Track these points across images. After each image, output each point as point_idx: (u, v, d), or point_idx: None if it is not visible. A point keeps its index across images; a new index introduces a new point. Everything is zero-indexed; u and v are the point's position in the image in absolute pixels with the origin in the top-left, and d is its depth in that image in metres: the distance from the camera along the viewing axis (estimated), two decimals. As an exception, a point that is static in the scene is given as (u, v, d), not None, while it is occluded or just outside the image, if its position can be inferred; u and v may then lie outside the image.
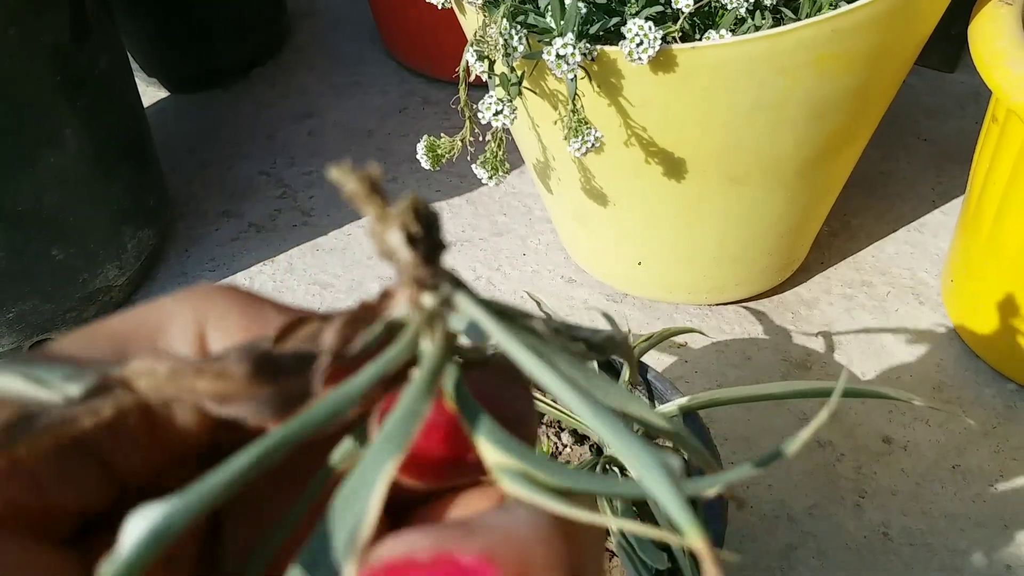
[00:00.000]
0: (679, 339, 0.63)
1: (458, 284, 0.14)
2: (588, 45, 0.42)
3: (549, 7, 0.43)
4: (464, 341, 0.15)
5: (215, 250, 0.74)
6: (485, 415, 0.14)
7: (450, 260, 0.70)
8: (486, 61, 0.45)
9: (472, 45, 0.45)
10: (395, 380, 0.14)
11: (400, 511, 0.16)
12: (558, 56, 0.41)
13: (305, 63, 0.95)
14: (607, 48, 0.43)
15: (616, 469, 0.41)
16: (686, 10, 0.44)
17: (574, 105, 0.44)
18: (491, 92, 0.45)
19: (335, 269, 0.72)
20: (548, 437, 0.45)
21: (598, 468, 0.41)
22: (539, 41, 0.43)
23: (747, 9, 0.46)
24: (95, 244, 0.65)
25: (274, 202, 0.78)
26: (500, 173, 0.48)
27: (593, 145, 0.44)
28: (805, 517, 0.53)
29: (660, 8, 0.46)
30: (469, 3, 0.46)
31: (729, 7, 0.45)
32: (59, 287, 0.65)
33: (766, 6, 0.46)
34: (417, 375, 0.14)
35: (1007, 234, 0.52)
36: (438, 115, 0.85)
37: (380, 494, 0.12)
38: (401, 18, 0.86)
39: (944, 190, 0.73)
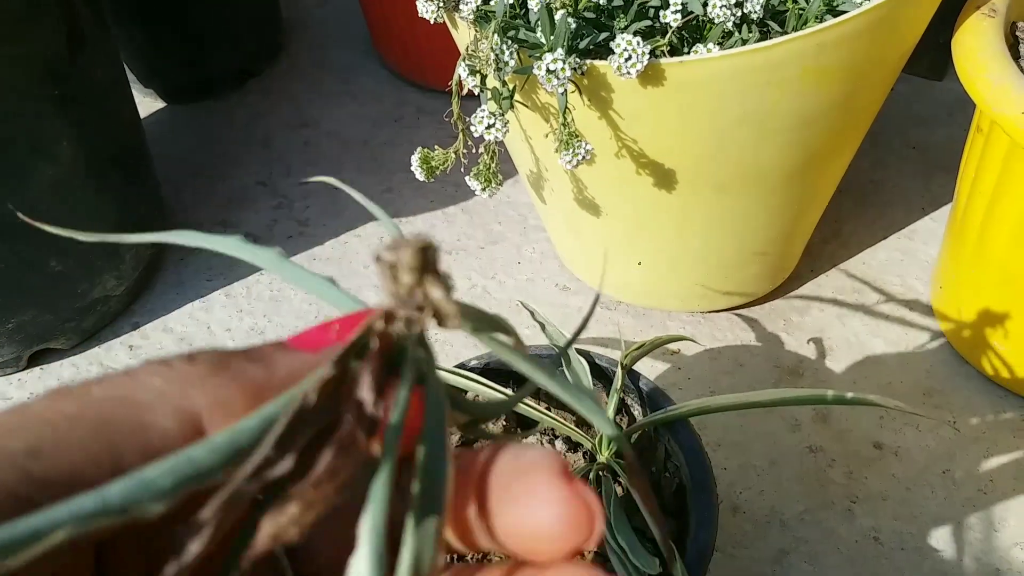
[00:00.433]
0: (672, 346, 0.64)
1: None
2: (578, 60, 0.43)
3: (539, 22, 0.44)
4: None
5: (211, 260, 0.75)
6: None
7: (446, 268, 0.71)
8: (478, 75, 0.45)
9: (464, 59, 0.46)
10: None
11: None
12: (548, 71, 0.42)
13: (300, 73, 0.96)
14: (596, 63, 0.43)
15: (610, 477, 0.41)
16: (674, 24, 0.45)
17: (565, 119, 0.44)
18: (483, 106, 0.45)
19: (331, 278, 0.72)
20: (542, 445, 0.46)
21: (591, 475, 0.42)
22: (530, 56, 0.44)
23: (734, 23, 0.46)
24: (93, 255, 0.66)
25: (270, 212, 0.79)
26: (493, 185, 0.49)
27: (584, 158, 0.45)
28: (797, 522, 0.53)
29: (648, 22, 0.46)
30: (461, 18, 0.47)
31: (716, 21, 0.46)
32: (58, 297, 0.65)
33: (753, 20, 0.47)
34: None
35: (993, 241, 0.53)
36: (433, 124, 0.86)
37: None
38: (395, 28, 0.87)
39: (934, 197, 0.74)
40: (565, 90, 0.43)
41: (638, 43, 0.41)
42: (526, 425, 0.47)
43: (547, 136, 0.49)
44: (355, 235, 0.76)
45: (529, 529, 0.15)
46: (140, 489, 0.12)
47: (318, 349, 0.16)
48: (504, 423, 0.47)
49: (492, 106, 0.45)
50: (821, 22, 0.47)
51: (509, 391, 0.45)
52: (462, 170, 0.52)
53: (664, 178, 0.51)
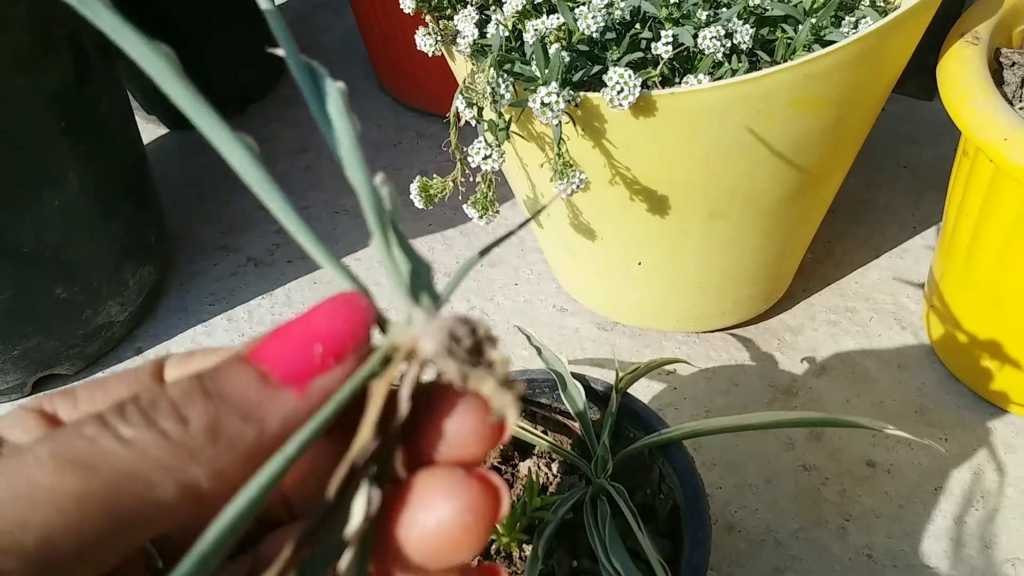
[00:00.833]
0: (668, 366, 0.65)
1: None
2: (572, 92, 0.44)
3: (534, 56, 0.45)
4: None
5: (214, 284, 0.76)
6: None
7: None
8: (475, 107, 0.47)
9: (461, 92, 0.47)
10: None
11: None
12: (543, 103, 0.43)
13: (300, 98, 0.97)
14: (590, 95, 0.44)
15: (605, 499, 0.42)
16: (665, 56, 0.46)
17: (559, 149, 0.46)
18: (480, 137, 0.46)
19: (332, 302, 0.73)
20: (539, 468, 0.47)
21: (587, 496, 0.43)
22: (525, 89, 0.45)
23: (724, 53, 0.48)
24: (98, 281, 0.67)
25: (272, 236, 0.80)
26: (491, 213, 0.50)
27: (578, 187, 0.46)
28: (791, 540, 0.54)
29: (640, 54, 0.48)
30: (458, 51, 0.48)
31: (707, 52, 0.47)
32: (63, 324, 0.66)
33: (742, 50, 0.48)
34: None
35: (981, 262, 0.54)
36: (432, 149, 0.87)
37: None
38: (395, 54, 0.88)
39: (924, 216, 0.75)
40: (559, 121, 0.44)
41: (630, 76, 0.42)
42: (523, 449, 0.48)
43: (542, 165, 0.50)
44: (355, 259, 0.77)
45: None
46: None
47: (300, 375, 0.16)
48: (501, 447, 0.48)
49: (489, 137, 0.46)
50: (809, 52, 0.48)
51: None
52: (460, 197, 0.53)
53: (658, 204, 0.52)
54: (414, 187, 0.51)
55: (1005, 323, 0.54)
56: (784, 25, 0.51)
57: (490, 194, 0.49)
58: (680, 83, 0.47)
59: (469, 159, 0.47)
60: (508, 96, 0.45)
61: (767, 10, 0.50)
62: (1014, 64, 0.53)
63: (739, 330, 0.67)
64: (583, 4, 0.47)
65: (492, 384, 0.15)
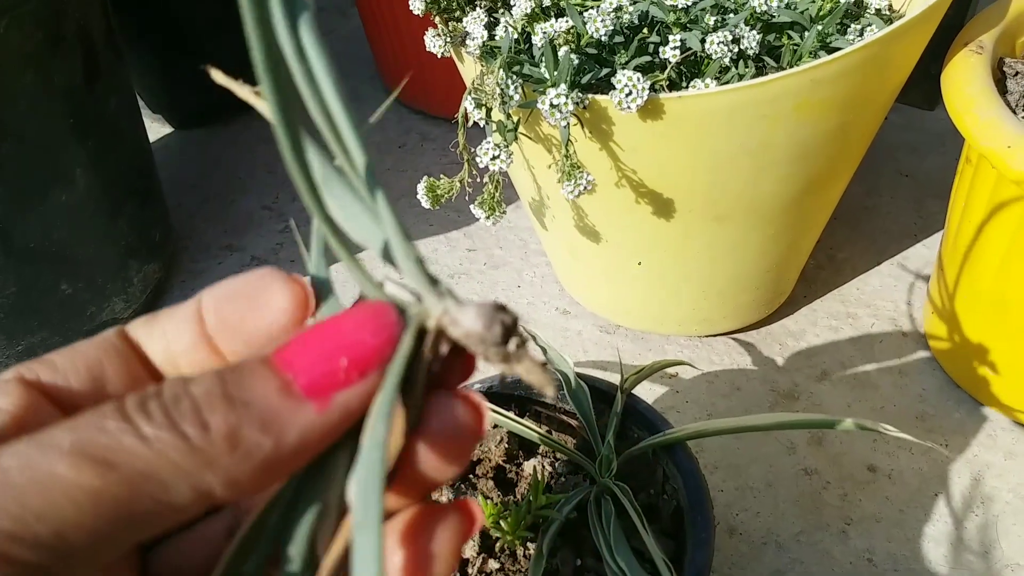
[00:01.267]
0: (670, 369, 0.65)
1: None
2: (580, 94, 0.44)
3: (543, 58, 0.45)
4: None
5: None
6: None
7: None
8: (483, 108, 0.47)
9: (470, 93, 0.47)
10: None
11: None
12: (552, 105, 0.43)
13: (306, 99, 0.97)
14: (598, 97, 0.45)
15: (609, 499, 0.42)
16: (673, 60, 0.47)
17: (567, 151, 0.46)
18: (488, 138, 0.47)
19: (336, 302, 0.74)
20: (544, 467, 0.47)
21: (591, 496, 0.43)
22: (534, 90, 0.45)
23: (731, 59, 0.48)
24: (103, 278, 0.67)
25: (276, 236, 0.80)
26: (497, 213, 0.50)
27: (585, 188, 0.46)
28: (792, 544, 0.54)
29: (648, 58, 0.48)
30: (467, 53, 0.49)
31: (714, 57, 0.47)
32: (67, 320, 0.66)
33: (749, 56, 0.49)
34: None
35: (982, 269, 0.54)
36: (436, 151, 0.88)
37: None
38: (399, 56, 0.89)
39: (926, 224, 0.75)
40: (567, 123, 0.45)
41: (638, 79, 0.43)
42: (527, 448, 0.49)
43: (550, 167, 0.51)
44: (359, 258, 0.77)
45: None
46: None
47: (323, 388, 0.16)
48: (506, 446, 0.48)
49: (497, 138, 0.47)
50: (815, 58, 0.48)
51: (511, 414, 0.47)
52: (467, 198, 0.53)
53: (663, 207, 0.52)
54: (421, 187, 0.52)
55: (1006, 330, 0.55)
56: (791, 32, 0.51)
57: (497, 194, 0.50)
58: (687, 87, 0.47)
59: (477, 159, 0.47)
60: (517, 97, 0.45)
61: (774, 17, 0.50)
62: (1017, 73, 0.53)
63: (741, 334, 0.67)
64: (591, 8, 0.47)
65: (529, 363, 0.16)
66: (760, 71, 0.50)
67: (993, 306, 0.55)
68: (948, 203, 0.60)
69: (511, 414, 0.46)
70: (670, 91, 0.46)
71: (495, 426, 0.47)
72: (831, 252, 0.73)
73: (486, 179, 0.50)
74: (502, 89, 0.45)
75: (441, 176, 0.52)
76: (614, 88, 0.44)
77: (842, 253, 0.73)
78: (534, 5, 0.49)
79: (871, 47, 0.45)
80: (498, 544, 0.43)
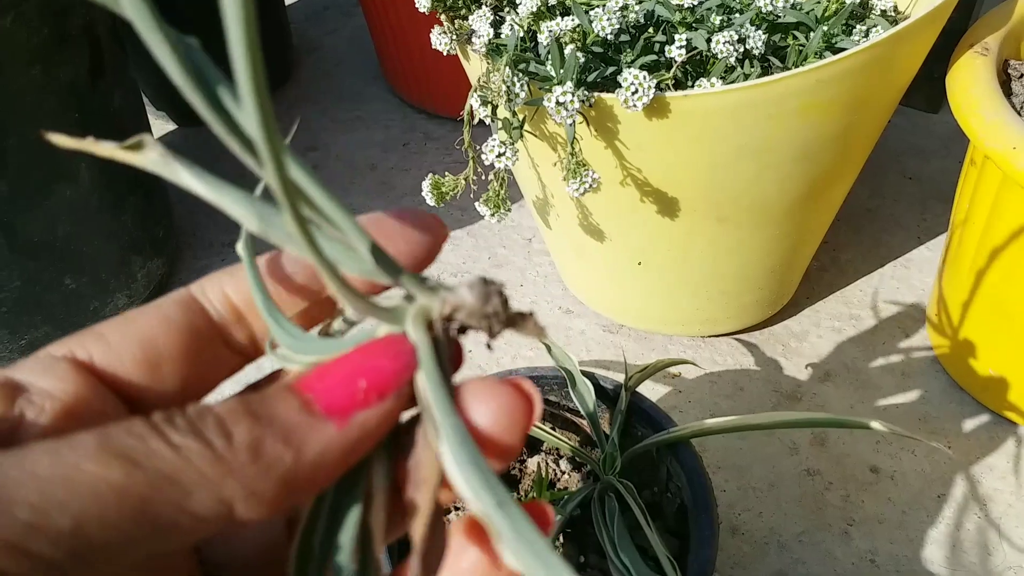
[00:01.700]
0: (673, 369, 0.65)
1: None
2: (586, 92, 0.44)
3: (550, 56, 0.45)
4: None
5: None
6: None
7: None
8: (489, 106, 0.47)
9: (476, 90, 0.48)
10: None
11: None
12: (558, 103, 0.43)
13: (309, 98, 0.98)
14: (604, 95, 0.45)
15: (613, 496, 0.42)
16: (679, 59, 0.47)
17: (573, 149, 0.46)
18: (494, 135, 0.47)
19: (338, 300, 0.74)
20: (548, 464, 0.47)
21: (595, 493, 0.43)
22: (540, 88, 0.45)
23: (736, 58, 0.48)
24: (106, 273, 0.67)
25: (279, 234, 0.80)
26: (502, 211, 0.50)
27: (591, 186, 0.46)
28: (795, 544, 0.54)
29: (654, 57, 0.48)
30: (473, 51, 0.49)
31: (720, 56, 0.47)
32: (71, 315, 0.66)
33: (755, 56, 0.49)
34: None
35: (986, 271, 0.54)
36: (439, 150, 0.88)
37: None
38: (404, 55, 0.89)
39: (929, 227, 0.75)
40: (573, 121, 0.45)
41: (644, 77, 0.43)
42: (531, 445, 0.49)
43: (555, 165, 0.51)
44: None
45: None
46: None
47: (343, 407, 0.17)
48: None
49: (503, 135, 0.47)
50: (821, 59, 0.49)
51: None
52: (471, 196, 0.53)
53: (667, 207, 0.52)
54: (426, 185, 0.52)
55: (1010, 332, 0.55)
56: (796, 32, 0.51)
57: (502, 192, 0.50)
58: (693, 87, 0.47)
59: (483, 157, 0.47)
60: (523, 95, 0.45)
61: (779, 17, 0.51)
62: (1022, 75, 0.53)
63: (744, 335, 0.67)
64: (597, 7, 0.47)
65: (532, 325, 0.17)
66: (765, 71, 0.50)
67: (997, 308, 0.55)
68: (951, 206, 0.60)
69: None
70: (675, 90, 0.46)
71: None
72: (834, 254, 0.73)
73: (491, 177, 0.50)
74: (508, 86, 0.45)
75: (446, 174, 0.53)
76: (620, 86, 0.44)
77: (845, 255, 0.73)
78: (540, 3, 0.49)
79: (877, 48, 0.45)
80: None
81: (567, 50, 0.45)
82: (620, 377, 0.49)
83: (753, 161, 0.49)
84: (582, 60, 0.46)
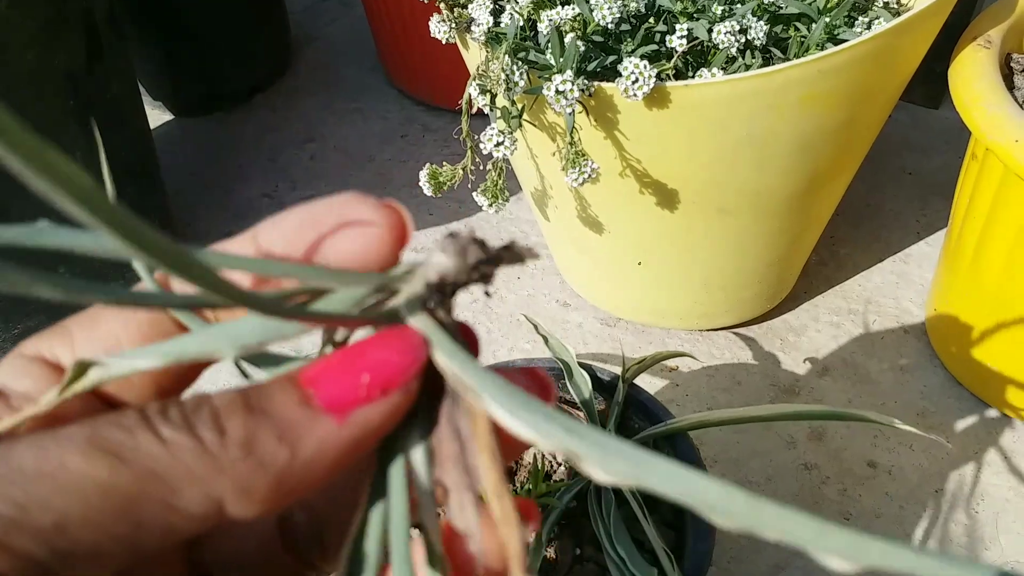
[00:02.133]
0: (671, 363, 0.65)
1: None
2: (586, 81, 0.44)
3: (549, 45, 0.45)
4: None
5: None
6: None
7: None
8: (488, 95, 0.47)
9: (475, 79, 0.47)
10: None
11: None
12: (557, 92, 0.43)
13: (307, 89, 0.97)
14: (604, 84, 0.45)
15: (609, 488, 0.42)
16: (679, 49, 0.47)
17: (572, 138, 0.46)
18: (493, 124, 0.46)
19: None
20: (543, 455, 0.47)
21: (591, 485, 0.43)
22: (539, 77, 0.45)
23: (738, 49, 0.48)
24: (101, 262, 0.67)
25: (276, 224, 0.80)
26: (500, 201, 0.50)
27: (589, 176, 0.46)
28: (791, 538, 0.54)
29: (655, 47, 0.48)
30: (472, 39, 0.48)
31: (721, 47, 0.47)
32: (65, 304, 0.66)
33: (756, 46, 0.49)
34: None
35: (986, 266, 0.54)
36: (437, 142, 0.88)
37: None
38: (403, 47, 0.88)
39: (928, 222, 0.75)
40: (573, 110, 0.44)
41: (645, 66, 0.43)
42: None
43: (554, 155, 0.50)
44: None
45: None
46: None
47: (343, 402, 0.16)
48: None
49: (501, 124, 0.46)
50: (822, 50, 0.48)
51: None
52: (469, 186, 0.53)
53: (667, 198, 0.52)
54: (423, 174, 0.51)
55: (1009, 327, 0.55)
56: (798, 23, 0.51)
57: (500, 182, 0.49)
58: (693, 77, 0.47)
59: (481, 146, 0.47)
60: (522, 84, 0.45)
61: (781, 7, 0.50)
62: (1025, 69, 0.53)
63: (742, 329, 0.67)
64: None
65: (519, 252, 0.16)
66: (767, 62, 0.50)
67: (997, 302, 0.54)
68: (951, 201, 0.60)
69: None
70: (676, 80, 0.46)
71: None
72: (833, 248, 0.73)
73: (489, 166, 0.50)
74: (507, 75, 0.45)
75: (443, 164, 0.52)
76: (620, 76, 0.43)
77: (844, 249, 0.73)
78: (540, -8, 0.48)
79: (879, 39, 0.45)
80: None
81: (567, 39, 0.45)
82: (618, 370, 0.48)
83: (753, 153, 0.48)
84: (582, 49, 0.46)
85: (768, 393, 0.63)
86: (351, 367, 0.16)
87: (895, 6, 0.54)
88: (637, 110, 0.45)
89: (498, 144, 0.46)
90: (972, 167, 0.54)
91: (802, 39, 0.50)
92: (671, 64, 0.47)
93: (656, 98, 0.45)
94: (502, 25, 0.48)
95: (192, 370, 0.19)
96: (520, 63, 0.45)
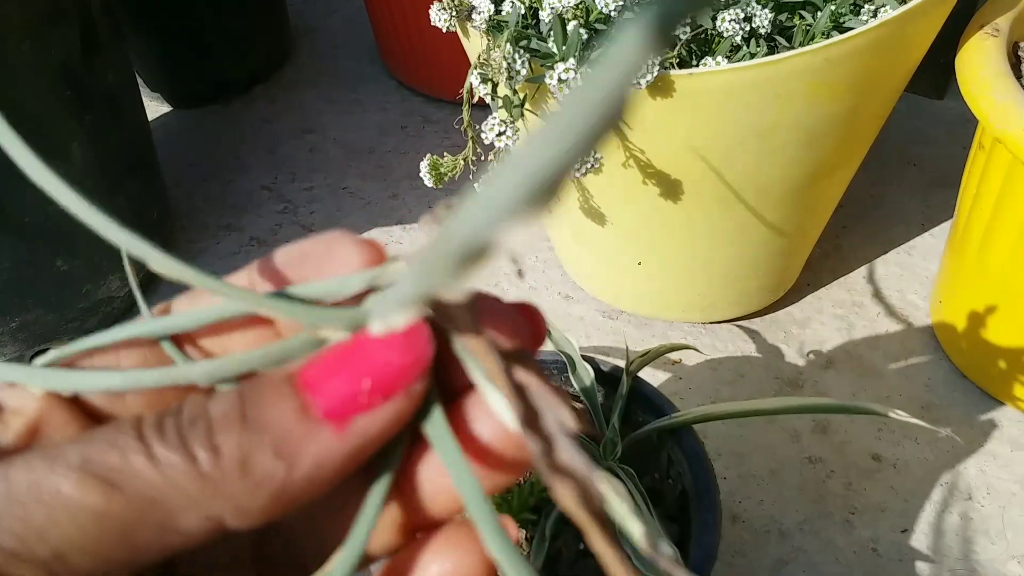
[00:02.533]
0: (674, 356, 0.64)
1: None
2: (589, 70, 0.43)
3: (551, 33, 0.44)
4: None
5: (216, 263, 0.75)
6: None
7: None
8: (490, 84, 0.46)
9: (476, 68, 0.47)
10: None
11: None
12: (560, 80, 0.42)
13: (306, 80, 0.97)
14: (607, 73, 0.44)
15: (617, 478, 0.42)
16: (683, 37, 0.46)
17: (575, 127, 0.45)
18: (494, 114, 0.46)
19: (335, 283, 0.73)
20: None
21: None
22: (541, 65, 0.44)
23: (742, 37, 0.47)
24: (99, 256, 0.66)
25: (275, 217, 0.79)
26: (501, 192, 0.49)
27: (592, 166, 0.45)
28: (796, 532, 0.54)
29: (659, 35, 0.47)
30: (473, 27, 0.48)
31: (725, 35, 0.46)
32: (63, 298, 0.65)
33: (761, 35, 0.48)
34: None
35: (993, 257, 0.53)
36: (437, 133, 0.87)
37: None
38: (402, 37, 0.88)
39: (933, 213, 0.74)
40: (576, 99, 0.44)
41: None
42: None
43: (556, 145, 0.50)
44: (359, 241, 0.76)
45: None
46: None
47: (342, 411, 0.15)
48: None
49: (503, 114, 0.46)
50: (828, 38, 0.48)
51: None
52: (470, 177, 0.52)
53: (670, 189, 0.51)
54: (424, 165, 0.51)
55: (1016, 319, 0.54)
56: (803, 12, 0.50)
57: (502, 173, 0.49)
58: (697, 66, 0.46)
59: (483, 136, 0.46)
60: (524, 72, 0.44)
61: (786, -5, 0.50)
62: (1033, 57, 0.52)
63: (745, 322, 0.67)
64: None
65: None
66: (772, 51, 0.49)
67: (1004, 294, 0.54)
68: (955, 192, 0.60)
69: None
70: (680, 69, 0.45)
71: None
72: (837, 240, 0.72)
73: (491, 157, 0.49)
74: (509, 64, 0.44)
75: (444, 155, 0.52)
76: (624, 64, 0.43)
77: (848, 241, 0.72)
78: (542, -20, 0.48)
79: (885, 27, 0.44)
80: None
81: (570, 26, 0.44)
82: (620, 362, 0.48)
83: (758, 143, 0.48)
84: (585, 37, 0.45)
85: (772, 386, 0.62)
86: (351, 370, 0.15)
87: (901, -6, 0.53)
88: (640, 98, 0.45)
89: (500, 134, 0.45)
90: (979, 157, 0.54)
91: (807, 27, 0.49)
92: (675, 52, 0.46)
93: (660, 87, 0.44)
94: (503, 13, 0.48)
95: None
96: (522, 51, 0.44)
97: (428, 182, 0.51)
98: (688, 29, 0.46)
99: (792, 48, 0.49)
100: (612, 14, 0.46)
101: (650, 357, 0.47)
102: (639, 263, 0.60)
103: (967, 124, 0.82)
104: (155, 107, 0.94)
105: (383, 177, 0.82)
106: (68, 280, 0.65)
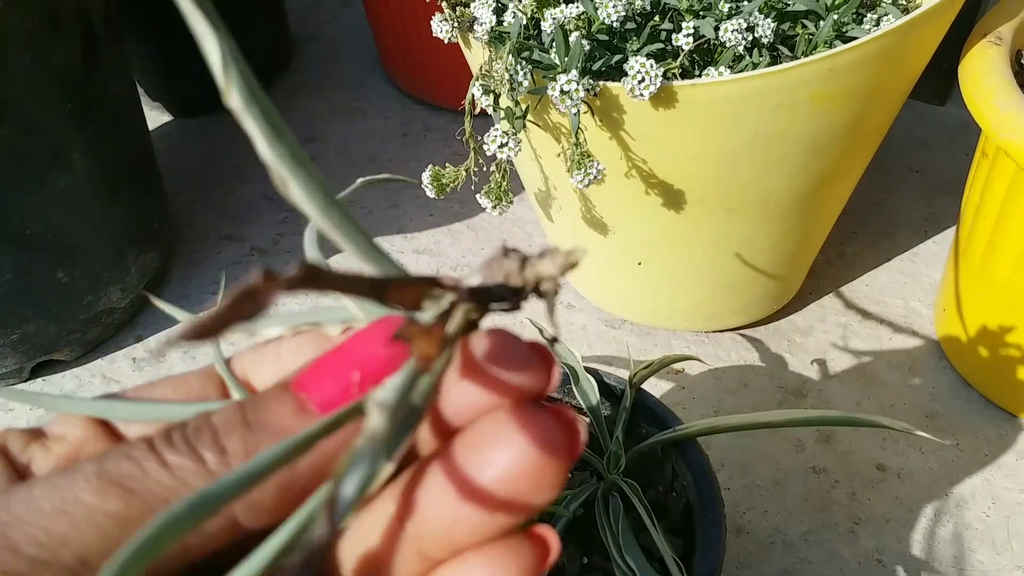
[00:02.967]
0: (676, 365, 0.64)
1: None
2: (591, 81, 0.43)
3: (554, 44, 0.44)
4: None
5: (217, 273, 0.75)
6: None
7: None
8: (491, 95, 0.46)
9: (478, 79, 0.46)
10: None
11: None
12: (562, 92, 0.42)
13: (307, 88, 0.96)
14: (609, 84, 0.44)
15: (617, 495, 0.41)
16: (686, 47, 0.46)
17: (577, 139, 0.45)
18: (496, 125, 0.46)
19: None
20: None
21: (599, 492, 0.42)
22: (543, 77, 0.44)
23: (745, 47, 0.47)
24: (100, 266, 0.66)
25: (276, 226, 0.79)
26: (504, 203, 0.49)
27: (595, 177, 0.45)
28: (800, 543, 0.53)
29: (661, 45, 0.47)
30: (475, 38, 0.48)
31: (728, 45, 0.46)
32: (63, 308, 0.65)
33: (763, 44, 0.48)
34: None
35: (997, 265, 0.53)
36: (439, 142, 0.87)
37: None
38: (403, 45, 0.88)
39: (936, 220, 0.74)
40: (578, 110, 0.44)
41: (651, 65, 0.42)
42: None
43: (558, 156, 0.50)
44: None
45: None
46: None
47: (336, 404, 0.16)
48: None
49: (505, 125, 0.46)
50: (831, 48, 0.47)
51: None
52: (472, 188, 0.52)
53: (673, 199, 0.51)
54: (426, 176, 0.51)
55: (1021, 328, 0.54)
56: (805, 21, 0.50)
57: (504, 184, 0.49)
58: (700, 76, 0.46)
59: (485, 147, 0.46)
60: (526, 84, 0.44)
61: (788, 4, 0.49)
62: (1036, 66, 0.52)
63: (748, 330, 0.66)
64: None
65: (559, 264, 0.15)
66: (775, 60, 0.49)
67: (1008, 302, 0.54)
68: (959, 199, 0.59)
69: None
70: (683, 79, 0.45)
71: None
72: (840, 248, 0.72)
73: (492, 168, 0.49)
74: (511, 75, 0.44)
75: (446, 165, 0.51)
76: (626, 75, 0.42)
77: (851, 249, 0.72)
78: (544, -10, 0.47)
79: (890, 36, 0.44)
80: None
81: (572, 38, 0.44)
82: (623, 373, 0.48)
83: (762, 152, 0.48)
84: (587, 48, 0.45)
85: (775, 395, 0.62)
86: (339, 366, 0.16)
87: (903, 2, 0.53)
88: (643, 110, 0.45)
89: (502, 145, 0.45)
90: (982, 165, 0.53)
91: (810, 36, 0.49)
92: (677, 63, 0.46)
93: (663, 98, 0.44)
94: (505, 24, 0.48)
95: None
96: (524, 63, 0.44)
97: (430, 193, 0.51)
98: (691, 39, 0.46)
99: (794, 57, 0.49)
100: (615, 25, 0.46)
101: (654, 369, 0.47)
102: (639, 263, 0.60)
103: (969, 130, 0.82)
104: (156, 116, 0.94)
105: (385, 186, 0.82)
106: (69, 291, 0.65)
